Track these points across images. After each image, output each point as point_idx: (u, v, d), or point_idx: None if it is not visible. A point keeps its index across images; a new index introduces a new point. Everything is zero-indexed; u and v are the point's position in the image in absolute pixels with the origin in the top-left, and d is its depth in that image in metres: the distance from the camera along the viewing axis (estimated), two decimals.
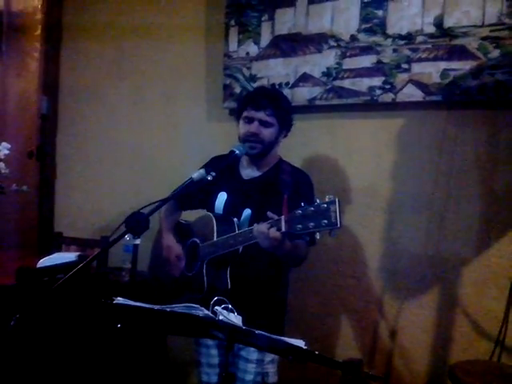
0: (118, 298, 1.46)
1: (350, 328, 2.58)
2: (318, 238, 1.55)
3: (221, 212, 2.09)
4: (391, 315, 2.47)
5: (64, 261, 2.43)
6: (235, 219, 1.99)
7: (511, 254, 2.17)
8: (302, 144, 2.61)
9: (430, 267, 2.37)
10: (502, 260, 2.20)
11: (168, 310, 1.40)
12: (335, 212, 1.48)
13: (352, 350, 2.55)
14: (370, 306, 2.52)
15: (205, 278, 1.97)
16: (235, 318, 1.44)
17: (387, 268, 2.49)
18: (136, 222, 1.66)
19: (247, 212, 2.02)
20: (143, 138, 3.27)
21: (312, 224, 1.52)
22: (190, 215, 2.28)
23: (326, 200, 1.51)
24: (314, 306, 2.65)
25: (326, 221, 1.49)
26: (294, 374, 2.44)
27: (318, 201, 1.53)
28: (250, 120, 2.01)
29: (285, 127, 2.08)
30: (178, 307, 1.40)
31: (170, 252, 2.14)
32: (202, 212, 2.16)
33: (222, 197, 2.11)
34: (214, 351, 2.12)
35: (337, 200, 1.49)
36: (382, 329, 2.49)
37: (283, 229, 1.62)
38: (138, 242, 1.66)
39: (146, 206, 1.71)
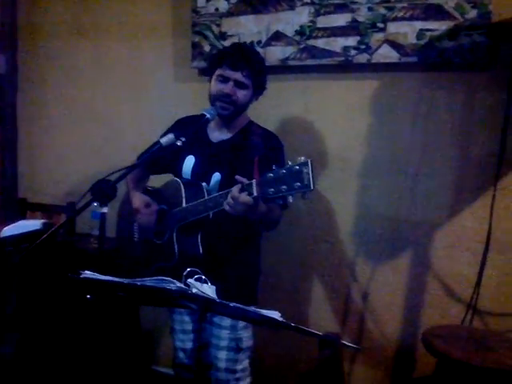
0: (86, 272, 1.41)
1: (324, 292, 2.59)
2: (290, 201, 1.51)
3: (188, 177, 2.02)
4: (364, 279, 2.48)
5: (29, 229, 2.35)
6: (204, 184, 1.93)
7: (484, 219, 2.18)
8: (274, 106, 2.54)
9: (403, 231, 2.38)
10: (474, 224, 2.22)
11: (139, 283, 1.35)
12: (308, 174, 1.44)
13: (325, 313, 2.57)
14: (343, 269, 2.53)
15: (175, 246, 1.92)
16: (209, 289, 1.41)
17: (360, 232, 2.49)
18: (103, 190, 1.59)
19: (216, 176, 1.96)
20: (108, 99, 3.13)
21: (284, 187, 1.48)
22: (156, 181, 2.21)
23: (298, 162, 1.46)
24: (287, 271, 2.65)
25: (298, 183, 1.45)
26: (270, 337, 2.46)
27: (289, 163, 1.49)
28: (224, 79, 1.92)
29: (258, 90, 2.00)
30: (150, 281, 1.35)
31: (138, 202, 2.05)
32: (169, 177, 2.09)
33: (189, 161, 2.04)
34: (187, 317, 2.11)
35: (309, 161, 1.44)
36: (355, 292, 2.51)
37: (255, 193, 1.57)
38: (105, 210, 1.58)
39: (112, 173, 1.63)
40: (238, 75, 1.90)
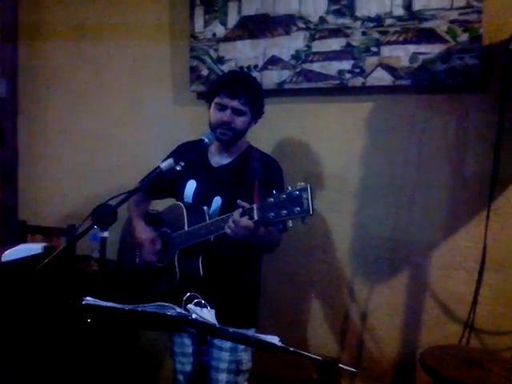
0: (88, 298, 1.42)
1: (322, 312, 2.60)
2: (290, 225, 1.54)
3: (190, 200, 2.05)
4: (361, 299, 2.50)
5: (30, 253, 2.37)
6: (205, 208, 1.96)
7: (479, 238, 2.20)
8: (271, 129, 2.57)
9: (400, 251, 2.40)
10: (470, 244, 2.24)
11: (140, 309, 1.37)
12: (307, 199, 1.47)
13: (323, 333, 2.58)
14: (341, 289, 2.54)
15: (177, 269, 1.94)
16: (208, 314, 1.42)
17: (357, 252, 2.51)
18: (103, 215, 1.60)
19: (217, 200, 1.98)
20: (108, 122, 3.17)
21: (285, 212, 1.51)
22: (159, 204, 2.24)
23: (298, 187, 1.49)
24: (286, 292, 2.66)
25: (298, 208, 1.48)
26: (269, 360, 2.46)
27: (289, 188, 1.52)
28: (222, 107, 1.96)
29: (257, 115, 2.04)
30: (150, 306, 1.37)
31: (143, 237, 2.06)
32: (171, 201, 2.12)
33: (191, 185, 2.07)
34: (188, 340, 2.10)
35: (309, 187, 1.48)
36: (353, 312, 2.52)
37: (256, 217, 1.60)
38: (106, 234, 1.60)
39: (113, 198, 1.65)
40: (235, 103, 1.93)
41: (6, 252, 2.40)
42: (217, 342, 2.00)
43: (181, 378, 2.14)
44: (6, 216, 3.45)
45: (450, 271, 2.28)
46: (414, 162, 2.36)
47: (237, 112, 1.95)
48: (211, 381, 2.02)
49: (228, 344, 1.99)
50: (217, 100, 1.97)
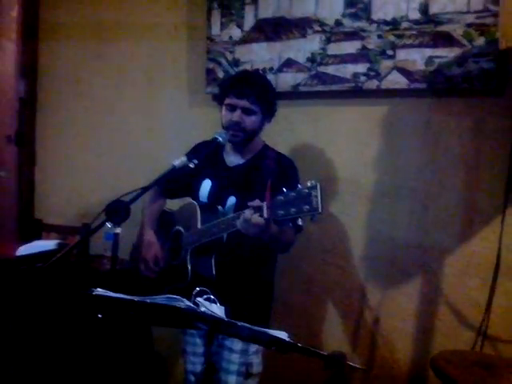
0: (98, 289, 1.43)
1: (334, 316, 2.58)
2: (300, 223, 1.55)
3: (205, 200, 2.06)
4: (374, 304, 2.47)
5: (43, 249, 2.39)
6: (219, 207, 1.97)
7: (494, 244, 2.17)
8: (285, 131, 2.58)
9: (413, 256, 2.37)
10: (484, 249, 2.21)
11: (149, 301, 1.37)
12: (316, 197, 1.46)
13: (336, 338, 2.56)
14: (354, 294, 2.52)
15: (189, 267, 1.95)
16: (217, 309, 1.43)
17: (370, 257, 2.49)
18: (116, 211, 1.61)
19: (232, 199, 2.00)
20: (124, 123, 3.21)
21: (294, 210, 1.51)
22: (174, 204, 2.25)
23: (308, 185, 1.49)
24: (297, 296, 2.65)
25: (307, 206, 1.48)
26: (279, 364, 2.45)
27: (299, 186, 1.52)
28: (232, 108, 1.97)
29: (268, 114, 2.05)
30: (159, 298, 1.38)
31: (149, 250, 2.10)
32: (186, 200, 2.13)
33: (206, 184, 2.09)
34: (199, 340, 2.11)
35: (318, 185, 1.47)
36: (365, 317, 2.50)
37: (265, 215, 1.60)
38: (118, 230, 1.61)
39: (126, 194, 1.66)
40: (244, 102, 1.95)
41: (20, 248, 2.43)
42: (227, 343, 2.00)
43: (192, 378, 2.15)
44: (23, 214, 3.50)
45: (464, 277, 2.25)
46: (429, 166, 2.34)
47: (246, 111, 1.96)
48: (221, 382, 2.02)
49: (238, 346, 1.99)
50: (227, 101, 1.99)
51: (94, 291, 1.41)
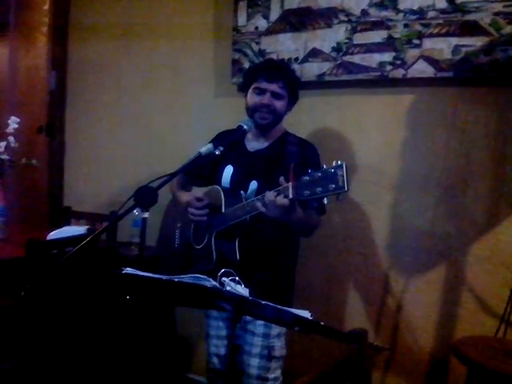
0: (127, 268, 1.48)
1: (357, 304, 2.59)
2: (325, 202, 1.55)
3: (227, 185, 2.10)
4: (397, 291, 2.48)
5: (73, 234, 2.45)
6: (242, 192, 2.00)
7: None
8: (310, 120, 2.60)
9: (437, 244, 2.37)
10: (509, 238, 2.20)
11: (176, 280, 1.42)
12: (342, 176, 1.47)
13: (358, 324, 2.55)
14: (377, 281, 2.53)
15: (213, 251, 1.98)
16: (242, 290, 1.45)
17: (394, 245, 2.49)
18: (144, 196, 1.65)
19: (254, 184, 2.03)
20: (152, 113, 3.27)
21: (319, 189, 1.52)
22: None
23: (333, 165, 1.50)
24: (321, 283, 2.67)
25: (333, 185, 1.48)
26: (301, 349, 2.47)
27: (325, 166, 1.53)
28: (261, 91, 2.01)
29: (292, 101, 2.09)
30: (186, 277, 1.42)
31: (187, 197, 2.08)
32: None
33: (228, 170, 2.12)
34: (222, 323, 2.15)
35: (344, 164, 1.48)
36: (388, 304, 2.51)
37: (290, 195, 1.62)
38: (146, 215, 1.65)
39: (154, 180, 1.71)
40: (274, 86, 1.99)
41: (51, 233, 2.50)
42: (250, 326, 2.03)
43: (215, 360, 2.19)
44: (53, 203, 3.59)
45: (489, 265, 2.24)
46: (455, 155, 2.33)
47: (275, 96, 2.00)
48: (244, 365, 2.06)
49: (260, 329, 2.03)
50: (255, 85, 2.03)
51: (123, 270, 1.47)
